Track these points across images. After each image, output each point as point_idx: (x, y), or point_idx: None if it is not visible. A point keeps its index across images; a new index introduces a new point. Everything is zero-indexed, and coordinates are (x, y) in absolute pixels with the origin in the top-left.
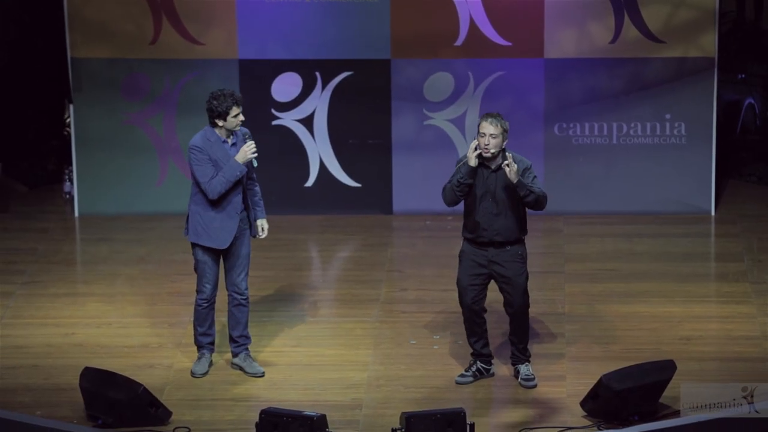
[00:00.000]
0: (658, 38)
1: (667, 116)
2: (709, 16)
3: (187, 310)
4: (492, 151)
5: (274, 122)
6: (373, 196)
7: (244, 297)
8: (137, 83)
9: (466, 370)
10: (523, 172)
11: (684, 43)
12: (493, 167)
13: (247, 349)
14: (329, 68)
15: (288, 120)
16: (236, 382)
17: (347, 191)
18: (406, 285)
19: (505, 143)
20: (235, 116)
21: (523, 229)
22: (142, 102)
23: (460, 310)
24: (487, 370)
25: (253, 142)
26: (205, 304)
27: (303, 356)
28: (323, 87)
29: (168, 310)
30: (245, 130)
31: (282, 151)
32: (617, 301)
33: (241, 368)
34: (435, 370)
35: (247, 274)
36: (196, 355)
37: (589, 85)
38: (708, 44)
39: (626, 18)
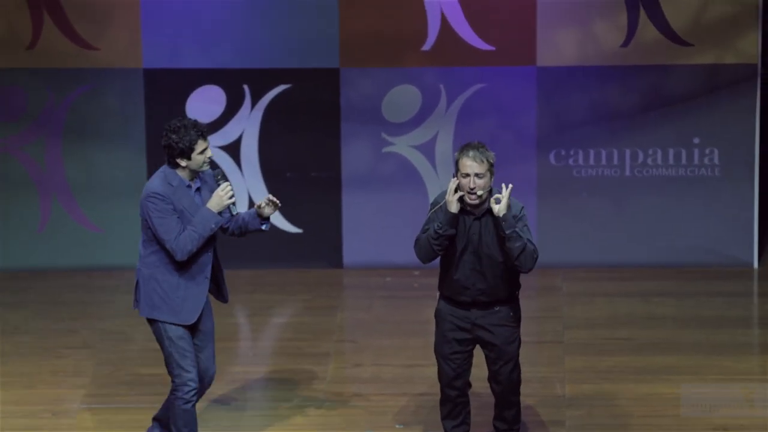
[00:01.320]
0: (684, 40)
1: (696, 140)
2: (749, 11)
3: (75, 394)
4: (480, 193)
5: None
6: (319, 244)
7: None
8: (9, 99)
9: None
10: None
11: (718, 46)
12: (477, 213)
13: None
14: (261, 80)
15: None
16: None
17: (285, 239)
18: (361, 359)
19: (492, 181)
20: (202, 152)
21: (515, 284)
22: (16, 124)
23: (428, 391)
24: None
25: (228, 183)
26: (195, 397)
27: None
28: (253, 104)
29: (51, 395)
30: (213, 170)
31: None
32: (632, 380)
33: None
34: None
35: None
36: None
37: (594, 100)
38: (748, 47)
39: (642, 14)
